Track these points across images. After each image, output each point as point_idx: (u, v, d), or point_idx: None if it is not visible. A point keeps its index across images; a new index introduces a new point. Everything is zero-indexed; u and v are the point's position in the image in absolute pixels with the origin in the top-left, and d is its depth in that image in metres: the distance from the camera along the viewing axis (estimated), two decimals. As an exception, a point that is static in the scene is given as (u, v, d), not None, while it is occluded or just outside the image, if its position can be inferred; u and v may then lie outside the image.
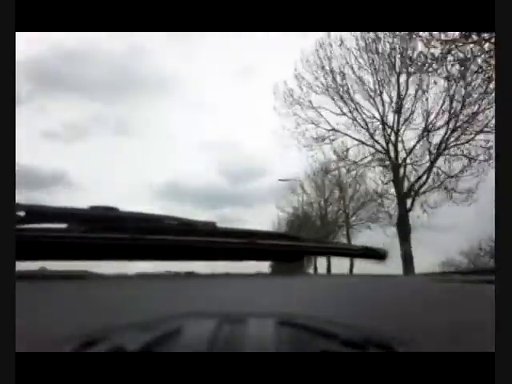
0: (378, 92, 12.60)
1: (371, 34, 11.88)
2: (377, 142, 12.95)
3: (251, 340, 0.41)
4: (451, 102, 11.93)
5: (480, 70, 9.85)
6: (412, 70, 11.54)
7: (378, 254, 1.03)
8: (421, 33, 9.65)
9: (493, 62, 9.13)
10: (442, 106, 12.12)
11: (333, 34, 12.29)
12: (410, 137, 12.66)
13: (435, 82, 11.83)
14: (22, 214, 0.78)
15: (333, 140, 13.40)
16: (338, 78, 12.79)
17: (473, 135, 12.07)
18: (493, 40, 8.40)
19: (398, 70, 12.21)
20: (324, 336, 0.41)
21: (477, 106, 11.61)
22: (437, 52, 9.73)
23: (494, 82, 10.50)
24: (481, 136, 11.97)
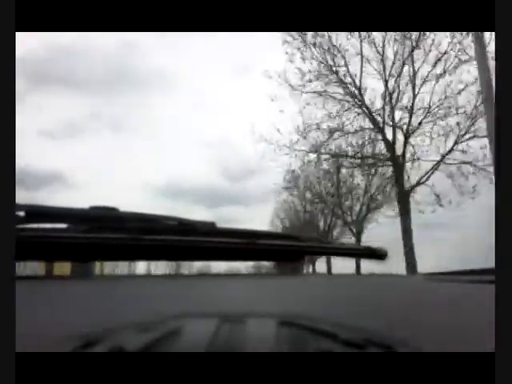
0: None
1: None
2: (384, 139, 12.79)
3: (251, 340, 0.41)
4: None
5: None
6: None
7: (378, 254, 1.03)
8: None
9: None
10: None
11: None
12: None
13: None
14: (22, 214, 0.77)
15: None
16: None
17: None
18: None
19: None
20: (324, 336, 0.41)
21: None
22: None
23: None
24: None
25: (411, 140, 12.53)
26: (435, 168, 12.30)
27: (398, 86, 12.39)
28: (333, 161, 14.45)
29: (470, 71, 11.02)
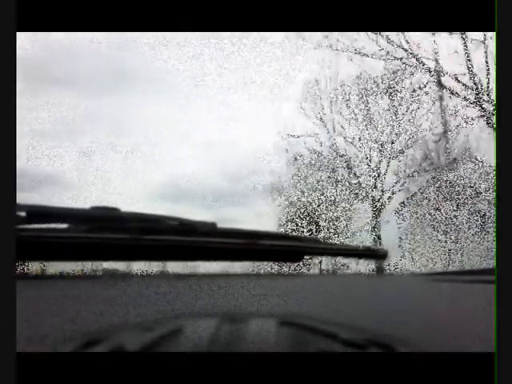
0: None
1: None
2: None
3: (251, 340, 0.41)
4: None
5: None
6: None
7: (378, 254, 1.03)
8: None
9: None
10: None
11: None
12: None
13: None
14: (22, 214, 0.78)
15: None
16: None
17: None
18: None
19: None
20: (324, 336, 0.41)
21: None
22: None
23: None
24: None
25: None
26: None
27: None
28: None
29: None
